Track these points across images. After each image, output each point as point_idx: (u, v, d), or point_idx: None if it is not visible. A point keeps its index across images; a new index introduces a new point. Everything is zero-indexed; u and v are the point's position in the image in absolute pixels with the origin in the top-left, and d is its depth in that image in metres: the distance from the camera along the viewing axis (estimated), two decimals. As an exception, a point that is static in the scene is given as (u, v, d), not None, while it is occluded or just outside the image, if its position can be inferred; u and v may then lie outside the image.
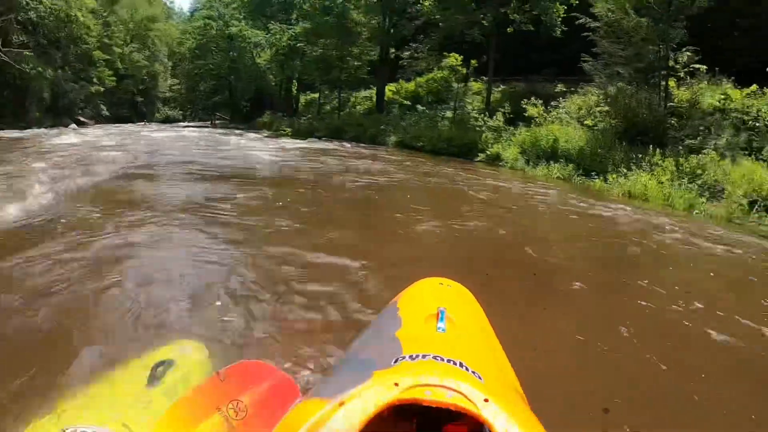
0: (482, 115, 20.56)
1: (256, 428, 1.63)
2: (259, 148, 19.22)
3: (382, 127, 24.82)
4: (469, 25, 24.19)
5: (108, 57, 52.08)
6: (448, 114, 24.10)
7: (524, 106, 19.12)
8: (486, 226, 8.13)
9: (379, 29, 31.19)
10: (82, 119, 46.91)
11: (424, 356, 1.42)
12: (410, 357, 1.43)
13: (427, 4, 26.14)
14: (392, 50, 31.76)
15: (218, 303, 4.07)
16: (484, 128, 19.51)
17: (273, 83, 49.02)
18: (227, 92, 54.81)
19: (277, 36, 37.51)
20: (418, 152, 20.03)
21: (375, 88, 32.26)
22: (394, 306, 2.23)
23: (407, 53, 29.55)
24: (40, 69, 33.62)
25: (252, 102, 52.34)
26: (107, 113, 53.40)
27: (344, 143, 23.14)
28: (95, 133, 27.01)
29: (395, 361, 1.42)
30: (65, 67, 42.87)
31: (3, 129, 29.11)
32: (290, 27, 37.01)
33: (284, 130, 31.60)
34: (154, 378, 1.88)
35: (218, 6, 51.03)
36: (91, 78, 49.35)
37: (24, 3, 31.80)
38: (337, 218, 8.38)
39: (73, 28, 38.67)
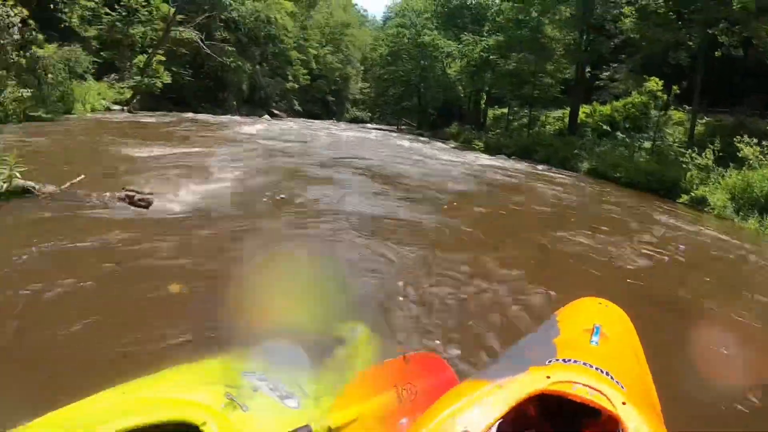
0: (690, 150, 17.35)
1: (421, 410, 1.63)
2: (448, 160, 17.75)
3: (576, 151, 22.27)
4: (674, 45, 21.03)
5: (303, 57, 54.55)
6: (646, 144, 21.12)
7: (738, 144, 15.73)
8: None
9: (575, 46, 28.57)
10: (276, 111, 49.59)
11: (575, 361, 1.61)
12: (563, 360, 1.63)
13: (627, 21, 23.25)
14: (588, 69, 28.97)
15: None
16: (690, 165, 16.44)
17: (462, 94, 47.88)
18: (415, 99, 54.60)
19: (470, 47, 36.10)
20: (613, 183, 17.42)
21: (567, 109, 29.66)
22: (554, 318, 2.39)
23: (606, 73, 26.54)
24: (239, 63, 35.59)
25: (439, 111, 51.51)
26: (299, 108, 56.13)
27: (536, 165, 20.65)
28: (286, 124, 28.34)
29: (549, 361, 1.64)
30: (263, 63, 45.37)
31: (201, 113, 31.40)
32: (482, 39, 35.49)
33: (476, 145, 29.62)
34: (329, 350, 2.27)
35: (411, 15, 50.94)
36: (287, 75, 51.99)
37: (227, 3, 33.55)
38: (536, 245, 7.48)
39: (272, 28, 40.42)
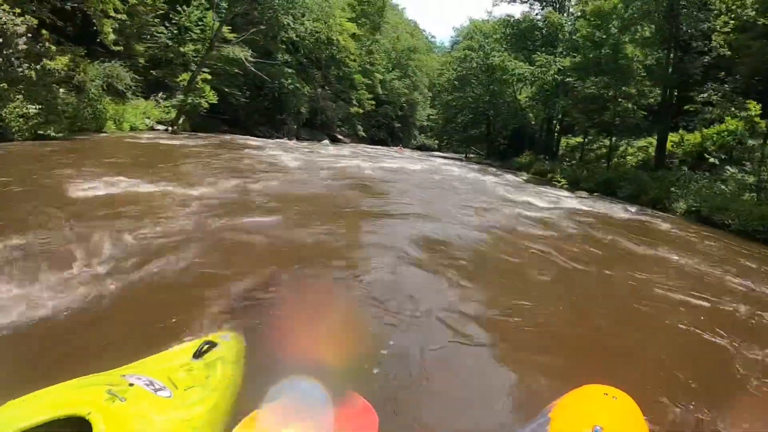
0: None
1: None
2: (523, 202, 13.26)
3: (673, 189, 18.58)
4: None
5: (368, 82, 53.41)
6: (749, 179, 17.88)
7: None
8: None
9: (659, 66, 25.46)
10: (338, 136, 48.44)
11: None
12: None
13: (719, 37, 20.25)
14: (675, 92, 25.47)
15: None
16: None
17: (532, 122, 45.24)
18: (484, 126, 52.44)
19: (543, 69, 33.51)
20: (721, 230, 13.95)
21: (650, 137, 26.51)
22: (545, 418, 2.04)
23: (702, 95, 22.56)
24: (297, 85, 34.33)
25: (509, 139, 48.97)
26: (363, 134, 54.85)
27: (627, 206, 16.67)
28: (342, 150, 26.27)
29: None
30: (325, 86, 44.25)
31: (258, 135, 30.38)
32: (557, 60, 32.92)
33: (556, 180, 25.48)
34: (199, 353, 2.44)
35: (479, 37, 48.89)
36: (351, 99, 50.90)
37: (286, 23, 32.40)
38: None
39: (334, 50, 39.08)
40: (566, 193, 18.97)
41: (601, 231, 9.97)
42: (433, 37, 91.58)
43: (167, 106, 23.85)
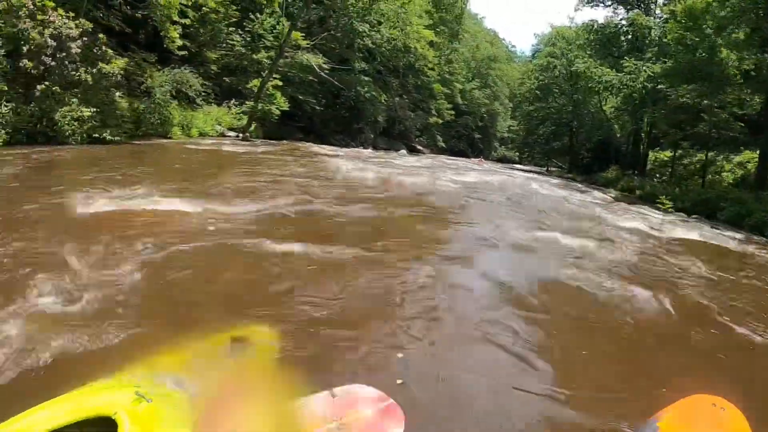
0: None
1: None
2: (618, 229, 10.80)
3: None
4: None
5: (448, 91, 52.36)
6: None
7: None
8: None
9: (759, 71, 22.50)
10: (417, 146, 47.52)
11: None
12: None
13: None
14: None
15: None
16: None
17: (618, 134, 42.56)
18: (566, 138, 49.90)
19: (632, 75, 30.96)
20: None
21: (748, 151, 23.79)
22: (653, 427, 2.02)
23: None
24: (374, 93, 33.63)
25: (593, 152, 46.15)
26: (443, 144, 53.76)
27: (735, 233, 14.04)
28: (421, 161, 24.55)
29: None
30: (403, 95, 43.42)
31: (334, 144, 29.95)
32: (646, 66, 30.24)
33: (662, 203, 20.30)
34: (233, 350, 2.47)
35: (562, 44, 46.52)
36: (430, 109, 50.01)
37: (361, 30, 31.81)
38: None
39: (411, 58, 38.03)
40: (662, 215, 16.50)
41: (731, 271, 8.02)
42: (513, 46, 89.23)
43: (238, 113, 23.92)
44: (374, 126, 39.10)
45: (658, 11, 37.05)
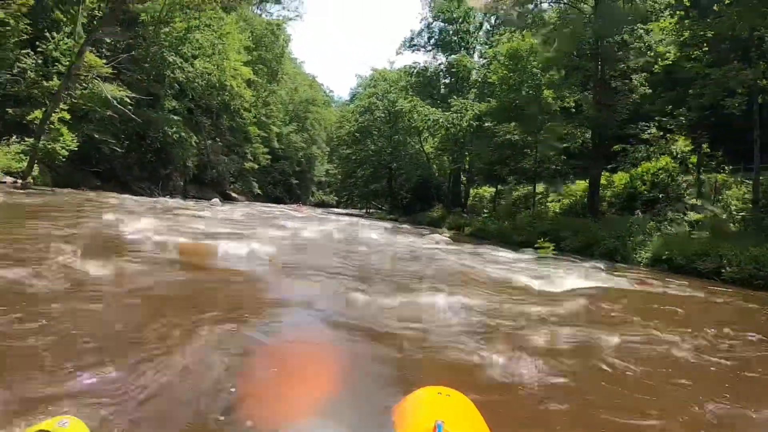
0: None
1: None
2: (491, 280, 8.11)
3: (638, 237, 15.57)
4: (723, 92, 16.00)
5: (265, 134, 49.96)
6: (693, 216, 16.03)
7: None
8: None
9: (580, 108, 23.80)
10: (231, 194, 44.26)
11: None
12: None
13: (640, 78, 19.29)
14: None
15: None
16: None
17: (437, 173, 43.20)
18: (385, 180, 49.81)
19: (459, 113, 31.24)
20: (701, 279, 11.38)
21: (573, 183, 24.74)
22: (390, 420, 2.17)
23: (648, 131, 21.15)
24: (184, 134, 30.13)
25: (413, 192, 46.51)
26: (259, 191, 51.07)
27: (583, 261, 13.22)
28: (235, 213, 20.51)
29: None
30: (216, 138, 40.37)
31: (137, 193, 26.06)
32: (473, 104, 30.75)
33: (542, 246, 15.86)
34: None
35: (384, 85, 46.78)
36: (245, 153, 47.08)
37: (173, 61, 28.60)
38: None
39: (226, 96, 35.15)
40: (510, 253, 15.19)
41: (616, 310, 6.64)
42: (331, 91, 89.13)
43: (17, 152, 19.09)
44: (184, 171, 35.24)
45: (476, 56, 38.68)
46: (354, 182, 53.11)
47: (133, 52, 26.28)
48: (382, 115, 46.70)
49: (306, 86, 69.49)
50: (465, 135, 31.12)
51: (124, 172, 28.13)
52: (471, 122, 30.07)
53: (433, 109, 34.30)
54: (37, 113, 18.95)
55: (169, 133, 29.74)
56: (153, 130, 29.25)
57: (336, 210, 53.52)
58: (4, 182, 17.40)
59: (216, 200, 31.26)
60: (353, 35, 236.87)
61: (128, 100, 23.83)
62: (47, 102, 19.37)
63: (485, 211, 30.68)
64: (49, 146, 17.76)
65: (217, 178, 41.98)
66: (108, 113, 23.45)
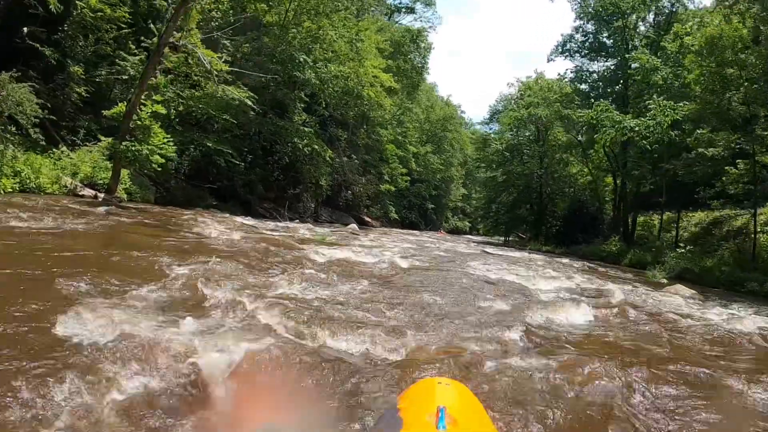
0: None
1: None
2: None
3: None
4: None
5: (402, 154, 44.72)
6: None
7: None
8: None
9: None
10: (366, 218, 39.50)
11: None
12: None
13: None
14: None
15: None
16: None
17: (588, 196, 36.30)
18: (530, 206, 42.98)
19: (657, 119, 24.55)
20: None
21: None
22: (394, 407, 2.23)
23: None
24: (317, 147, 25.27)
25: (563, 219, 39.41)
26: (395, 215, 46.66)
27: None
28: (381, 242, 16.10)
29: None
30: (352, 155, 35.52)
31: (257, 216, 22.11)
32: (674, 108, 23.41)
33: None
34: None
35: (542, 93, 39.90)
36: (382, 174, 41.99)
37: (303, 61, 24.25)
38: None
39: (365, 106, 29.97)
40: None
41: None
42: (463, 111, 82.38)
43: (102, 158, 14.78)
44: (316, 192, 30.83)
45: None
46: (497, 208, 46.51)
47: (256, 56, 22.22)
48: (533, 130, 40.93)
49: (442, 103, 64.20)
50: (660, 147, 24.06)
51: (246, 191, 23.81)
52: (668, 131, 23.03)
53: (623, 115, 27.02)
54: (120, 107, 13.70)
55: (300, 146, 25.08)
56: (281, 143, 24.90)
57: (474, 238, 48.63)
58: (83, 196, 13.02)
59: (353, 225, 26.32)
60: (479, 53, 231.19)
61: (251, 103, 19.35)
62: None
63: (682, 245, 22.85)
64: (136, 149, 12.52)
65: (351, 200, 37.26)
66: (229, 121, 19.19)
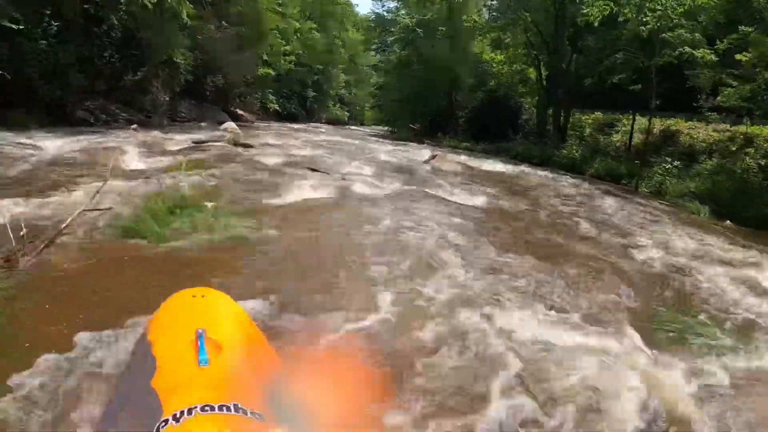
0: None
1: None
2: None
3: None
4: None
5: (285, 26, 34.81)
6: None
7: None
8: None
9: None
10: (240, 112, 30.68)
11: (190, 411, 1.23)
12: (174, 419, 1.22)
13: None
14: None
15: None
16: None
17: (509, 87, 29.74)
18: (441, 95, 35.33)
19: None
20: None
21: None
22: (145, 340, 1.84)
23: None
24: (173, 3, 15.52)
25: (474, 113, 32.99)
26: (276, 107, 39.89)
27: None
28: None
29: (158, 429, 1.21)
30: (222, 21, 25.32)
31: (76, 123, 14.73)
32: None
33: None
34: None
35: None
36: (260, 55, 31.71)
37: None
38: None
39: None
40: None
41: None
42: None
43: None
44: (170, 76, 20.92)
45: None
46: (399, 96, 38.76)
47: None
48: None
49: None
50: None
51: (56, 86, 13.87)
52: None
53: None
54: None
55: (139, 1, 14.99)
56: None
57: (363, 130, 44.38)
58: None
59: (231, 124, 17.49)
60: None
61: None
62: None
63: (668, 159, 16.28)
64: None
65: (221, 88, 27.62)
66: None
